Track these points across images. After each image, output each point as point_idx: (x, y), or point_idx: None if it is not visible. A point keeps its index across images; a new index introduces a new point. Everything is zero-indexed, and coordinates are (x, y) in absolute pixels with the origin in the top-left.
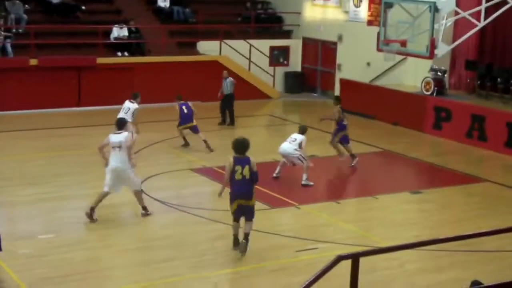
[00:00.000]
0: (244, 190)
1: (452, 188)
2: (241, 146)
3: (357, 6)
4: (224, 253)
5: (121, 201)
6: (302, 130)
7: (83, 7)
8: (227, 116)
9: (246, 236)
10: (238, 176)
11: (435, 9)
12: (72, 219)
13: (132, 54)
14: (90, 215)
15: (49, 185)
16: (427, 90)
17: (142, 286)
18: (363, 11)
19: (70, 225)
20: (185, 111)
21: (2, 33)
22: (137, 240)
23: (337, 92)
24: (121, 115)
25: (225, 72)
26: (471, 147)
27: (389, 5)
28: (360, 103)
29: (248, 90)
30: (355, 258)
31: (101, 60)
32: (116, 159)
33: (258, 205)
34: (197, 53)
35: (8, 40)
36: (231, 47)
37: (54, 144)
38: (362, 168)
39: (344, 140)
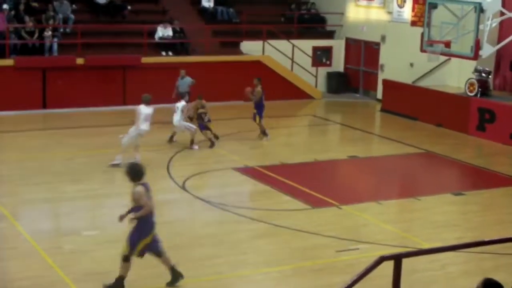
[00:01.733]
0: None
1: (496, 190)
2: (142, 171)
3: (400, 6)
4: (266, 252)
5: (162, 198)
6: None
7: (129, 7)
8: None
9: (175, 268)
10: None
11: (480, 10)
12: (116, 216)
13: (176, 53)
14: None
15: (94, 182)
16: (471, 91)
17: (184, 283)
18: (407, 12)
19: (114, 222)
20: None
21: (50, 32)
22: (179, 238)
23: (379, 93)
24: (175, 116)
25: (182, 71)
26: None
27: (434, 6)
28: (403, 104)
29: (290, 90)
30: (397, 259)
31: (146, 59)
32: None
33: (299, 204)
34: (240, 53)
35: (55, 40)
36: (274, 47)
37: (99, 142)
38: (404, 169)
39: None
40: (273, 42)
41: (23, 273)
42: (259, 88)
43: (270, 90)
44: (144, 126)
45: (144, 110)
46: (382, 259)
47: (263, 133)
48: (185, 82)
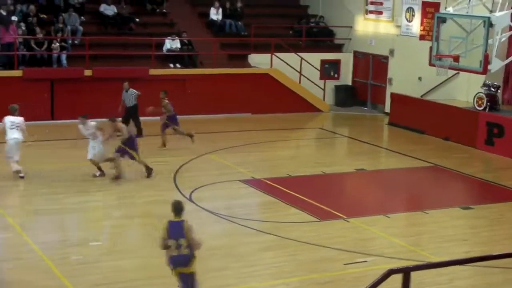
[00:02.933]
0: None
1: (504, 205)
2: None
3: (409, 20)
4: (273, 264)
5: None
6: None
7: (137, 19)
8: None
9: None
10: None
11: (489, 24)
12: (122, 227)
13: (184, 66)
14: None
15: (100, 194)
16: (479, 106)
17: None
18: (416, 26)
19: (121, 233)
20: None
21: (58, 44)
22: None
23: (387, 107)
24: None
25: (125, 84)
26: None
27: (442, 20)
28: (410, 117)
29: (298, 103)
30: (406, 273)
31: (153, 71)
32: None
33: (307, 217)
34: (248, 65)
35: (64, 51)
36: (282, 60)
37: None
38: (412, 182)
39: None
40: (281, 55)
41: (31, 284)
42: (166, 101)
43: (277, 103)
44: (10, 135)
45: (9, 119)
46: (390, 272)
47: (164, 144)
48: (130, 94)
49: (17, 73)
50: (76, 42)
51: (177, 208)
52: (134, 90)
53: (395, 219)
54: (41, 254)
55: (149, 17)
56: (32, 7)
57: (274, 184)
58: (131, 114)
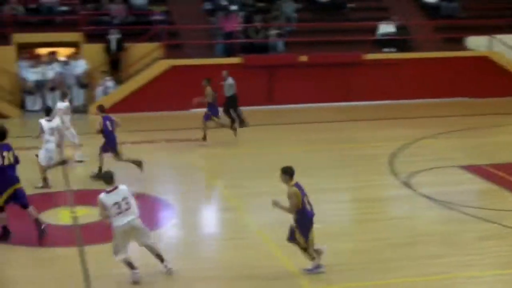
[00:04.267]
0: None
1: None
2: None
3: None
4: (493, 253)
5: (385, 195)
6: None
7: (353, 5)
8: (236, 117)
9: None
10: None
11: None
12: (336, 211)
13: (398, 50)
14: None
15: (314, 177)
16: None
17: (409, 281)
18: None
19: (335, 217)
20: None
21: (275, 31)
22: (404, 235)
23: None
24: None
25: (224, 72)
26: None
27: None
28: None
29: None
30: None
31: (367, 56)
32: None
33: None
34: (464, 48)
35: (281, 38)
36: (502, 42)
37: (322, 137)
38: None
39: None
40: (501, 36)
41: (252, 264)
42: (208, 90)
43: (497, 86)
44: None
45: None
46: None
47: (204, 138)
48: (228, 84)
49: (237, 60)
50: (292, 28)
51: (292, 172)
52: (231, 79)
53: None
54: (261, 235)
55: (362, 2)
56: None
57: (494, 171)
58: (233, 103)
